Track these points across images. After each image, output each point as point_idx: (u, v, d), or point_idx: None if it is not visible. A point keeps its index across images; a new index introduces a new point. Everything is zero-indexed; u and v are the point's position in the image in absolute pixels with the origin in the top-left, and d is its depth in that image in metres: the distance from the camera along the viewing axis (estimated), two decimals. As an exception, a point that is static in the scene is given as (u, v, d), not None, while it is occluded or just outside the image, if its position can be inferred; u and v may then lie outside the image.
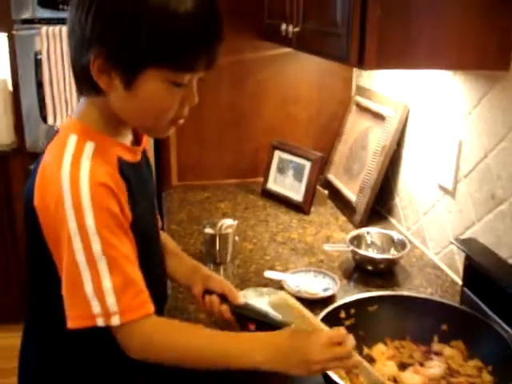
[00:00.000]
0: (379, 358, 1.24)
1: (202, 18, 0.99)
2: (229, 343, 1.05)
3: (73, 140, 1.03)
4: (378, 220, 2.10)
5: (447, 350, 1.24)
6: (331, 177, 2.36)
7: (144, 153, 1.22)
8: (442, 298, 1.50)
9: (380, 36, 1.27)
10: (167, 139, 2.46)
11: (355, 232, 1.82)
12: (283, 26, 1.87)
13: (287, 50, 2.11)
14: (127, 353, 1.03)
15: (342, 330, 1.03)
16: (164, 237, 1.37)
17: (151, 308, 1.04)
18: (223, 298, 1.27)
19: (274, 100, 2.47)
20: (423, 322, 1.29)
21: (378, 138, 2.03)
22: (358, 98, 2.31)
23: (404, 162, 2.02)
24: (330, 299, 1.50)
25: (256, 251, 1.85)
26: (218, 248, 1.72)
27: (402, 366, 1.22)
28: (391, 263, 1.70)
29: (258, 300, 1.48)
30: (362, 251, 1.73)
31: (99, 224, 0.97)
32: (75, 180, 0.98)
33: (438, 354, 1.25)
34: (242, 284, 1.62)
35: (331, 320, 1.25)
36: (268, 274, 1.63)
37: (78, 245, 0.97)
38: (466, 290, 1.42)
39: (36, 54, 2.85)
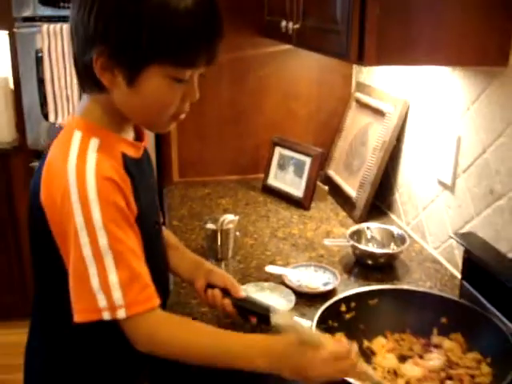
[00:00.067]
0: (379, 350, 1.25)
1: (202, 15, 1.01)
2: (232, 344, 1.06)
3: (78, 136, 1.04)
4: (377, 215, 2.11)
5: (446, 343, 1.25)
6: (331, 173, 2.38)
7: (145, 149, 1.23)
8: (441, 292, 1.51)
9: (379, 33, 1.28)
10: (168, 136, 2.47)
11: (355, 227, 1.84)
12: (283, 23, 1.88)
13: (287, 46, 2.13)
14: (134, 345, 1.04)
15: (344, 342, 1.03)
16: (166, 232, 1.39)
17: (157, 302, 1.05)
18: (225, 292, 1.29)
19: (275, 96, 2.49)
20: (423, 315, 1.30)
21: (377, 134, 2.05)
22: (358, 95, 2.32)
23: (404, 158, 2.04)
24: (330, 293, 1.51)
25: (257, 247, 1.87)
26: (219, 243, 1.74)
27: (402, 359, 1.23)
28: (391, 258, 1.71)
29: (260, 294, 1.50)
30: (362, 246, 1.74)
31: (106, 218, 0.99)
32: (81, 174, 0.99)
33: (437, 346, 1.26)
34: (244, 279, 1.63)
35: (332, 313, 1.27)
36: (269, 268, 1.64)
37: (84, 239, 0.98)
38: (465, 283, 1.44)
39: (37, 51, 2.86)
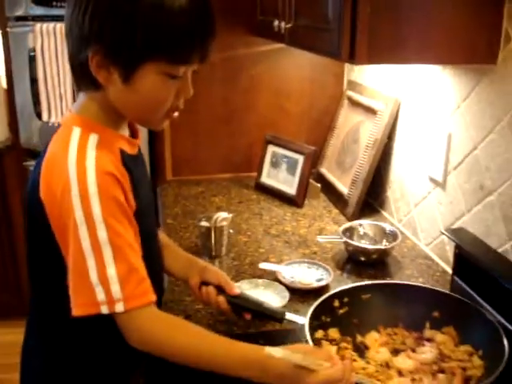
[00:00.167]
0: (372, 345, 1.26)
1: (196, 14, 1.03)
2: (228, 354, 1.05)
3: (77, 132, 1.06)
4: (370, 212, 2.13)
5: (439, 336, 1.27)
6: (324, 170, 2.39)
7: (139, 148, 1.25)
8: (433, 286, 1.54)
9: (370, 31, 1.29)
10: (161, 135, 2.48)
11: (348, 224, 1.86)
12: (276, 22, 1.89)
13: (279, 45, 2.14)
14: (128, 340, 1.05)
15: (338, 365, 1.03)
16: (159, 233, 1.40)
17: (153, 297, 1.06)
18: (219, 289, 1.31)
19: (267, 95, 2.50)
20: (415, 310, 1.32)
21: (369, 132, 2.06)
22: (350, 93, 2.34)
23: (395, 155, 2.06)
24: (323, 289, 1.53)
25: (250, 244, 1.88)
26: (213, 241, 1.75)
27: (395, 353, 1.24)
28: (383, 254, 1.73)
29: (254, 291, 1.52)
30: (355, 242, 1.76)
31: (105, 212, 1.00)
32: (82, 169, 1.00)
33: (429, 340, 1.27)
34: (238, 276, 1.65)
35: (325, 309, 1.29)
36: (263, 265, 1.66)
37: (83, 232, 0.99)
38: (456, 278, 1.46)
39: (30, 50, 2.85)
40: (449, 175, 1.68)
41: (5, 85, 3.10)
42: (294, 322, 1.27)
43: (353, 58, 1.33)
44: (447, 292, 1.40)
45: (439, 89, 1.71)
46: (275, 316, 1.30)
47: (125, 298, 1.01)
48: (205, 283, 1.32)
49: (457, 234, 1.49)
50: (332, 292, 1.34)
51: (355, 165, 2.10)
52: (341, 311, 1.32)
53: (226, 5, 2.25)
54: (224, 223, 1.77)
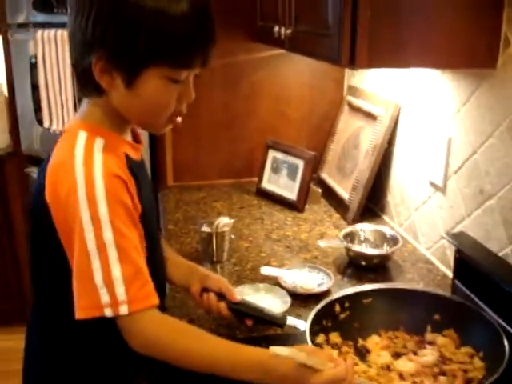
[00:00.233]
0: (374, 348, 1.27)
1: (197, 19, 1.04)
2: (233, 357, 1.06)
3: (83, 136, 1.07)
4: (370, 217, 2.14)
5: (440, 339, 1.27)
6: (324, 175, 2.40)
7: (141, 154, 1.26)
8: (433, 289, 1.54)
9: (370, 36, 1.30)
10: (163, 140, 2.49)
11: (349, 229, 1.86)
12: (276, 28, 1.90)
13: (280, 51, 2.14)
14: (130, 344, 1.05)
15: (341, 366, 1.04)
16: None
17: (157, 300, 1.06)
18: (220, 296, 1.31)
19: (268, 101, 2.51)
20: (416, 313, 1.32)
21: (369, 137, 2.07)
22: (350, 98, 2.35)
23: (395, 160, 2.06)
24: (324, 294, 1.53)
25: (252, 249, 1.89)
26: (214, 246, 1.75)
27: (397, 356, 1.25)
28: (384, 258, 1.74)
29: (255, 296, 1.52)
30: (356, 247, 1.77)
31: (112, 214, 1.00)
32: (89, 171, 1.01)
33: (431, 343, 1.28)
34: (239, 281, 1.65)
35: (326, 314, 1.29)
36: (264, 270, 1.66)
37: (89, 233, 0.99)
38: (457, 282, 1.47)
39: (31, 57, 2.87)
40: (449, 180, 1.68)
41: (6, 92, 3.11)
42: (295, 327, 1.28)
43: (353, 63, 1.34)
44: (447, 295, 1.40)
45: (439, 93, 1.72)
46: (277, 322, 1.30)
47: (129, 301, 1.01)
48: (206, 290, 1.33)
49: (457, 238, 1.50)
50: (333, 297, 1.34)
51: (356, 170, 2.11)
52: (342, 316, 1.32)
53: (227, 11, 2.26)
54: (225, 228, 1.77)
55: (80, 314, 1.02)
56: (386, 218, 2.15)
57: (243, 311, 1.31)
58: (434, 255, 1.79)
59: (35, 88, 2.87)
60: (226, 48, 2.35)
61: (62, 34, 2.70)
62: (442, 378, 1.16)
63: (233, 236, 1.86)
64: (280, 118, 2.54)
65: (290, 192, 2.27)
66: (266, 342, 1.28)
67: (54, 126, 2.87)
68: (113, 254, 1.00)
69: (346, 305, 1.33)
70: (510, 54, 1.36)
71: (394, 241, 1.77)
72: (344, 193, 2.16)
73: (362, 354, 1.26)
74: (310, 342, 1.17)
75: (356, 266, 1.74)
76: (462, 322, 1.27)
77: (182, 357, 1.06)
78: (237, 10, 2.33)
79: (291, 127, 2.55)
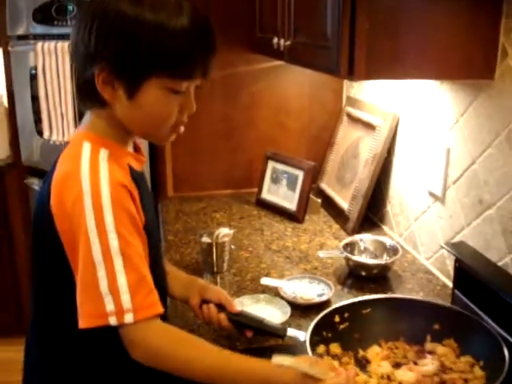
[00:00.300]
0: (374, 359, 1.26)
1: (198, 34, 1.06)
2: (234, 367, 1.06)
3: (87, 146, 1.08)
4: (370, 227, 2.14)
5: (440, 349, 1.27)
6: (324, 186, 2.40)
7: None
8: (432, 299, 1.54)
9: (369, 48, 1.31)
10: (162, 151, 2.50)
11: (348, 239, 1.86)
12: (275, 40, 1.91)
13: (279, 62, 2.16)
14: (131, 353, 1.05)
15: (342, 374, 1.05)
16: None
17: (161, 308, 1.06)
18: (220, 307, 1.31)
19: (267, 111, 2.52)
20: (415, 323, 1.32)
21: (368, 147, 2.08)
22: (349, 109, 2.36)
23: (395, 170, 2.07)
24: (325, 304, 1.53)
25: (252, 259, 1.89)
26: (214, 257, 1.75)
27: (397, 366, 1.25)
28: (384, 268, 1.74)
29: (255, 306, 1.52)
30: (356, 257, 1.77)
31: (118, 222, 1.01)
32: (95, 180, 1.02)
33: (431, 352, 1.28)
34: (239, 292, 1.65)
35: (326, 324, 1.29)
36: (264, 281, 1.66)
37: (95, 242, 1.00)
38: (457, 292, 1.47)
39: (31, 69, 2.88)
40: (448, 189, 1.69)
41: (6, 103, 3.12)
42: (295, 338, 1.28)
43: (351, 74, 1.35)
44: (446, 304, 1.40)
45: (437, 104, 1.73)
46: (277, 333, 1.30)
47: (134, 309, 1.01)
48: (205, 302, 1.33)
49: (457, 247, 1.50)
50: (332, 307, 1.34)
51: (355, 180, 2.11)
52: (342, 326, 1.32)
53: (226, 22, 2.28)
54: (225, 239, 1.78)
55: (84, 323, 1.02)
56: (385, 228, 2.15)
57: (243, 322, 1.31)
58: (434, 265, 1.79)
59: (35, 99, 2.89)
60: (225, 59, 2.36)
61: (62, 46, 2.72)
62: (442, 387, 1.16)
63: (233, 246, 1.86)
64: (279, 129, 2.55)
65: (290, 202, 2.28)
66: (266, 353, 1.28)
67: (54, 137, 2.88)
68: (118, 262, 1.01)
69: (346, 315, 1.33)
70: (507, 65, 1.37)
71: (393, 251, 1.77)
72: (344, 203, 2.17)
73: (363, 364, 1.26)
74: (310, 353, 1.17)
75: (356, 277, 1.74)
76: (461, 332, 1.27)
77: (184, 366, 1.06)
78: (236, 22, 2.35)
79: (290, 138, 2.56)
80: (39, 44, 2.77)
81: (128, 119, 1.11)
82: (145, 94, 1.06)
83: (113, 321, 1.01)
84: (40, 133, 2.94)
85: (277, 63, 2.35)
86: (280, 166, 2.36)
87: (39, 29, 2.85)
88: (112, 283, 1.00)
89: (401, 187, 2.02)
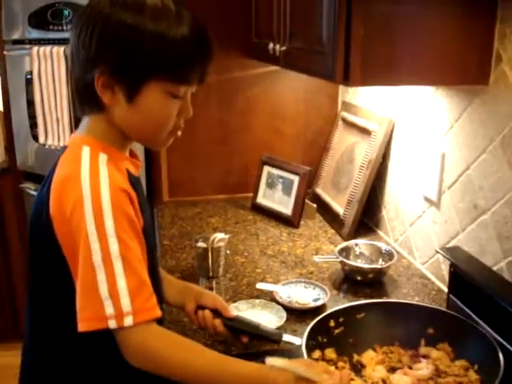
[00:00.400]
0: (369, 363, 1.27)
1: (197, 42, 1.09)
2: (230, 370, 1.07)
3: (87, 150, 1.08)
4: (365, 232, 2.14)
5: (434, 353, 1.27)
6: (319, 191, 2.41)
7: None
8: (425, 303, 1.55)
9: (364, 54, 1.32)
10: (158, 156, 2.50)
11: (344, 244, 1.87)
12: (270, 45, 1.92)
13: (275, 68, 2.16)
14: (127, 357, 1.05)
15: (336, 376, 1.06)
16: None
17: (159, 312, 1.06)
18: (216, 313, 1.31)
19: (263, 116, 2.53)
20: (410, 327, 1.33)
21: (364, 152, 2.08)
22: (344, 114, 2.36)
23: (390, 175, 2.07)
24: (320, 309, 1.53)
25: (247, 264, 1.89)
26: (210, 262, 1.75)
27: (392, 371, 1.25)
28: (379, 273, 1.74)
29: (251, 311, 1.52)
30: (351, 262, 1.77)
31: (118, 226, 1.01)
32: (96, 184, 1.02)
33: (425, 356, 1.28)
34: (235, 296, 1.65)
35: (321, 329, 1.29)
36: (260, 285, 1.66)
37: (95, 246, 1.00)
38: (452, 297, 1.47)
39: (26, 73, 2.88)
40: (443, 194, 1.69)
41: (1, 107, 3.12)
42: (291, 343, 1.28)
43: (347, 80, 1.36)
44: (440, 308, 1.41)
45: (432, 109, 1.74)
46: (272, 338, 1.30)
47: (134, 312, 1.01)
48: (201, 307, 1.33)
49: (452, 252, 1.51)
50: (327, 312, 1.35)
51: (350, 185, 2.12)
52: (336, 331, 1.32)
53: (222, 28, 2.28)
54: (221, 244, 1.78)
55: (83, 326, 1.02)
56: (381, 232, 2.15)
57: (239, 328, 1.31)
58: (429, 270, 1.80)
59: (31, 104, 2.88)
60: (222, 65, 2.37)
61: (58, 51, 2.71)
62: (437, 391, 1.16)
63: (228, 251, 1.86)
64: (275, 134, 2.55)
65: (285, 207, 2.28)
66: (262, 358, 1.29)
67: (50, 142, 2.87)
68: (118, 266, 1.01)
69: (341, 320, 1.34)
70: (502, 70, 1.38)
71: (389, 256, 1.77)
72: (339, 208, 2.17)
73: (358, 369, 1.27)
74: (306, 358, 1.17)
75: (351, 281, 1.75)
76: (456, 336, 1.28)
77: (181, 371, 1.06)
78: (232, 27, 2.35)
79: (286, 143, 2.57)
80: (35, 49, 2.77)
81: (127, 123, 1.12)
82: (144, 97, 1.07)
83: (112, 324, 1.01)
84: (35, 137, 2.93)
85: (272, 68, 2.36)
86: (275, 171, 2.36)
87: (35, 33, 2.85)
88: (112, 287, 1.00)
89: (396, 192, 2.03)
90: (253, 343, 1.36)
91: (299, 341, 1.26)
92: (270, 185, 2.37)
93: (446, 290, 1.59)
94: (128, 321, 1.01)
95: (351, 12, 1.30)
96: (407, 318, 1.34)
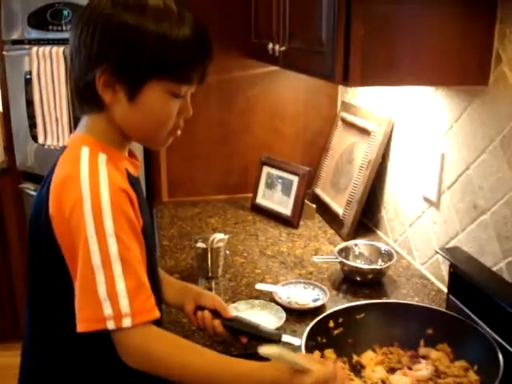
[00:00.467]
0: (368, 364, 1.27)
1: (199, 43, 1.09)
2: (226, 369, 1.06)
3: (86, 151, 1.08)
4: (365, 232, 2.14)
5: (434, 353, 1.27)
6: (319, 191, 2.41)
7: None
8: (425, 303, 1.55)
9: (364, 54, 1.32)
10: (157, 156, 2.50)
11: (343, 244, 1.87)
12: (270, 45, 1.92)
13: (274, 68, 2.16)
14: (125, 359, 1.05)
15: (329, 365, 1.05)
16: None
17: (158, 313, 1.06)
18: (215, 313, 1.31)
19: (262, 117, 2.52)
20: (409, 328, 1.32)
21: (363, 153, 2.08)
22: (344, 114, 2.36)
23: (389, 176, 2.07)
24: (320, 309, 1.53)
25: (247, 265, 1.89)
26: (209, 262, 1.75)
27: (391, 371, 1.25)
28: (379, 273, 1.74)
29: (250, 312, 1.52)
30: (351, 262, 1.77)
31: (117, 227, 1.01)
32: (95, 184, 1.02)
33: (425, 357, 1.28)
34: (234, 297, 1.65)
35: (321, 330, 1.29)
36: (259, 286, 1.66)
37: (94, 247, 1.00)
38: (451, 297, 1.47)
39: (26, 73, 2.87)
40: (443, 195, 1.69)
41: (1, 107, 3.12)
42: (290, 344, 1.28)
43: (346, 80, 1.36)
44: (440, 309, 1.41)
45: (432, 110, 1.73)
46: (271, 338, 1.30)
47: (133, 313, 1.01)
48: (200, 308, 1.33)
49: (451, 253, 1.50)
50: (326, 313, 1.35)
51: (350, 185, 2.12)
52: (336, 332, 1.32)
53: (222, 28, 2.28)
54: (220, 244, 1.77)
55: (81, 327, 1.02)
56: (380, 233, 2.15)
57: (238, 328, 1.31)
58: (429, 270, 1.79)
59: (30, 104, 2.88)
60: (221, 65, 2.37)
61: (57, 51, 2.71)
62: (436, 392, 1.16)
63: (228, 252, 1.86)
64: (274, 134, 2.55)
65: (285, 208, 2.28)
66: (261, 358, 1.28)
67: (49, 142, 2.87)
68: (117, 267, 1.01)
69: (340, 320, 1.33)
70: (501, 71, 1.38)
71: (388, 256, 1.77)
72: (338, 208, 2.17)
73: (357, 369, 1.26)
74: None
75: (351, 282, 1.74)
76: (455, 336, 1.27)
77: (179, 371, 1.06)
78: (232, 28, 2.35)
79: (285, 143, 2.57)
80: (34, 49, 2.77)
81: (127, 122, 1.11)
82: (145, 96, 1.07)
83: (111, 325, 1.01)
84: (35, 138, 2.93)
85: (272, 68, 2.35)
86: (275, 172, 2.36)
87: (34, 33, 2.84)
88: (111, 288, 1.00)
89: (395, 192, 2.02)
90: (252, 344, 1.36)
91: (298, 341, 1.26)
92: (270, 185, 2.37)
93: (445, 290, 1.59)
94: (126, 322, 1.01)
95: (351, 12, 1.30)
96: (407, 319, 1.33)
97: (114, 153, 1.12)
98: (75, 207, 1.01)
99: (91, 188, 1.01)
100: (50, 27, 2.83)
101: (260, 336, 1.30)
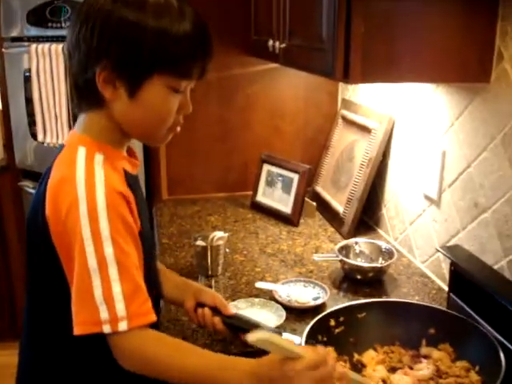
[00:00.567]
0: (369, 363, 1.26)
1: (199, 39, 1.08)
2: (217, 365, 1.05)
3: (82, 151, 1.07)
4: (365, 231, 2.14)
5: (435, 353, 1.27)
6: (319, 189, 2.40)
7: None
8: (427, 302, 1.54)
9: (364, 51, 1.31)
10: (156, 154, 2.49)
11: (344, 242, 1.86)
12: (270, 42, 1.91)
13: (274, 65, 2.16)
14: (121, 362, 1.04)
15: (320, 351, 1.03)
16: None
17: (154, 317, 1.06)
18: (215, 311, 1.31)
19: (262, 114, 2.52)
20: (411, 327, 1.32)
21: (364, 150, 2.07)
22: (344, 112, 2.35)
23: (390, 173, 2.07)
24: (320, 308, 1.53)
25: (247, 263, 1.88)
26: (209, 260, 1.75)
27: (392, 370, 1.24)
28: (379, 272, 1.73)
29: (250, 310, 1.51)
30: (351, 260, 1.76)
31: (113, 230, 1.00)
32: (91, 186, 1.01)
33: (426, 357, 1.27)
34: (234, 295, 1.64)
35: (321, 328, 1.28)
36: (259, 284, 1.66)
37: (90, 249, 0.99)
38: (452, 295, 1.46)
39: (25, 71, 2.87)
40: (443, 193, 1.68)
41: (0, 105, 3.11)
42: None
43: (347, 78, 1.35)
44: (442, 308, 1.40)
45: (433, 107, 1.73)
46: None
47: (129, 317, 1.01)
48: (200, 305, 1.32)
49: (452, 251, 1.50)
50: (328, 311, 1.34)
51: (350, 183, 2.11)
52: (337, 330, 1.31)
53: (222, 25, 2.27)
54: (220, 242, 1.77)
55: (78, 329, 1.01)
56: (380, 231, 2.15)
57: (238, 326, 1.30)
58: (429, 268, 1.79)
59: (29, 101, 2.87)
60: (221, 62, 2.36)
61: (56, 48, 2.70)
62: (438, 391, 1.16)
63: (227, 250, 1.85)
64: (274, 132, 2.55)
65: (285, 206, 2.27)
66: (260, 356, 1.28)
67: (48, 140, 2.86)
68: (113, 271, 1.00)
69: (341, 319, 1.33)
70: (503, 68, 1.37)
71: (389, 254, 1.77)
72: (339, 206, 2.16)
73: (358, 368, 1.26)
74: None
75: (351, 280, 1.74)
76: (457, 336, 1.27)
77: (178, 373, 1.05)
78: (232, 24, 2.35)
79: (285, 141, 2.56)
80: (33, 46, 2.76)
81: (127, 119, 1.11)
82: (146, 92, 1.07)
83: (107, 329, 1.00)
84: (34, 135, 2.93)
85: (272, 66, 2.35)
86: (275, 169, 2.35)
87: (33, 31, 2.84)
88: (107, 292, 1.00)
89: (396, 190, 2.02)
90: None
91: (298, 340, 1.25)
92: (270, 183, 2.36)
93: (446, 288, 1.58)
94: (122, 326, 1.00)
95: (351, 9, 1.30)
96: (408, 318, 1.33)
97: (111, 152, 1.11)
98: (71, 209, 1.00)
99: (87, 190, 1.01)
100: (49, 24, 2.82)
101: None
